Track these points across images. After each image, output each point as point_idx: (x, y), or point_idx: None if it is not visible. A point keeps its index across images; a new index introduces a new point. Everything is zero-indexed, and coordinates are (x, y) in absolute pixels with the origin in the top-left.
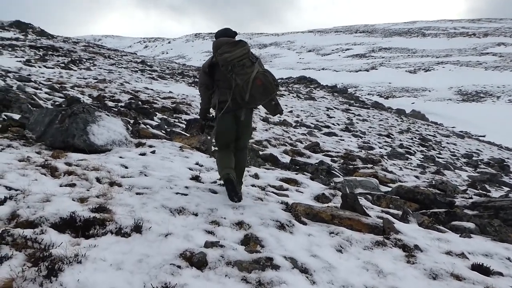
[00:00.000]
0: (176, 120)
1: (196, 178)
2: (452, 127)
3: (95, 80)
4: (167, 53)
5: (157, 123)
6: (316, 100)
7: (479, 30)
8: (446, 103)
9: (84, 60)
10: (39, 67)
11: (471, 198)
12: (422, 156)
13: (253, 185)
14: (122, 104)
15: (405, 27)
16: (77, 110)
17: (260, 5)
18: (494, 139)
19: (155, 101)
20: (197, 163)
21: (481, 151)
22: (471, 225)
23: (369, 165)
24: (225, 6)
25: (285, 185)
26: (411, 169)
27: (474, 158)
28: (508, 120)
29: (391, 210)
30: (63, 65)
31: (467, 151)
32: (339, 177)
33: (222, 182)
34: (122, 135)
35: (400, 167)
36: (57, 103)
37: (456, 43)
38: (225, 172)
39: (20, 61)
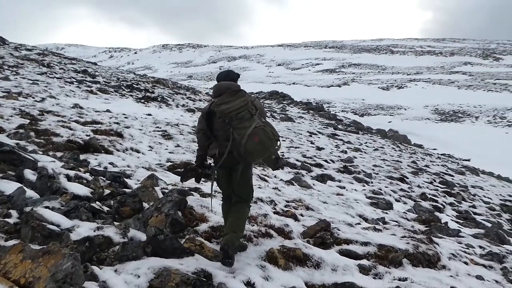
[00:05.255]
0: (74, 173)
1: None
2: (434, 149)
3: (4, 94)
4: (132, 63)
5: (16, 189)
6: (295, 122)
7: (445, 49)
8: (425, 123)
9: (6, 67)
10: None
11: None
12: (456, 214)
13: None
14: (4, 135)
15: (373, 44)
16: None
17: (216, 18)
18: (479, 164)
19: (61, 130)
20: None
21: None
22: None
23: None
24: (181, 20)
25: None
26: (485, 266)
27: None
28: (491, 143)
29: None
30: None
31: (500, 200)
32: None
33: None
34: None
35: (466, 261)
36: None
37: (424, 61)
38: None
39: None
